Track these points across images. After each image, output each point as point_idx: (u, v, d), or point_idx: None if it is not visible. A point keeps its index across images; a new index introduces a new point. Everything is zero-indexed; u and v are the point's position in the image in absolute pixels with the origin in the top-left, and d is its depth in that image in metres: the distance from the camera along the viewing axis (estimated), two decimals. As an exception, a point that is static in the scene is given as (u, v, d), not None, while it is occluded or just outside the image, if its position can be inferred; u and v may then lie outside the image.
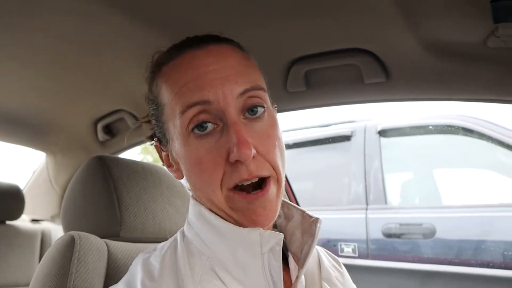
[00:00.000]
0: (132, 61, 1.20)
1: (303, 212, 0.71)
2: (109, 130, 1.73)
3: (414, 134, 2.99)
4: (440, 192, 2.81)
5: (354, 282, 0.85)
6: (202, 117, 0.61)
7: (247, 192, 0.61)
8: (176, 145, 0.65)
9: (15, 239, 1.90)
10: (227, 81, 0.61)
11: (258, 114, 0.63)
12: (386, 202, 2.77)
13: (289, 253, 0.71)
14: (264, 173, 0.61)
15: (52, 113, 1.67)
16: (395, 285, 1.56)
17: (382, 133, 2.95)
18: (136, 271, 0.63)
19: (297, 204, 1.83)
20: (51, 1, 0.90)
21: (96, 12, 0.94)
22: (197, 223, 0.67)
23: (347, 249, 2.63)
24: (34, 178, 2.26)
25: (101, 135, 1.74)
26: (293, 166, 3.22)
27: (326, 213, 2.92)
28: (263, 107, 0.64)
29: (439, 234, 2.47)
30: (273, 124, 0.65)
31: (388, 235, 2.61)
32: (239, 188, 0.61)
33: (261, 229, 0.61)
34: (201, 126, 0.61)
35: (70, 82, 1.37)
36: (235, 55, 0.66)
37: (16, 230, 1.93)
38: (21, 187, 2.02)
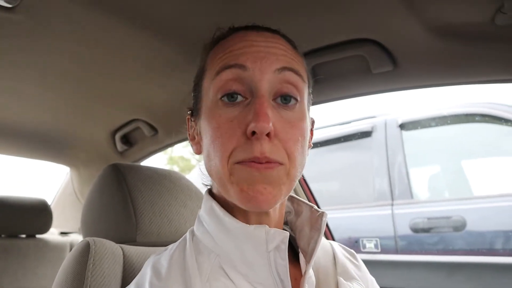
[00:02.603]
0: (144, 71, 1.22)
1: (312, 207, 0.71)
2: (127, 140, 1.77)
3: (437, 125, 2.92)
4: (470, 184, 2.73)
5: (378, 277, 0.83)
6: (235, 87, 0.61)
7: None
8: (203, 114, 0.66)
9: (45, 251, 1.96)
10: (269, 55, 0.62)
11: (289, 104, 0.62)
12: (412, 197, 2.71)
13: (299, 249, 0.70)
14: (278, 158, 0.58)
15: (70, 127, 1.72)
16: (421, 278, 1.52)
17: (403, 126, 2.90)
18: (145, 272, 0.64)
19: (317, 204, 1.82)
20: (57, 18, 0.93)
21: (104, 25, 0.96)
22: (207, 219, 0.67)
23: (369, 245, 2.59)
24: (61, 192, 2.32)
25: (119, 146, 1.77)
26: (315, 166, 3.20)
27: (350, 211, 2.89)
28: (297, 99, 0.63)
29: (470, 226, 2.40)
30: (302, 118, 0.64)
31: (416, 230, 2.56)
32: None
33: (267, 226, 0.61)
34: (231, 96, 0.61)
35: (84, 96, 1.41)
36: (286, 45, 0.67)
37: (46, 243, 1.99)
38: (49, 201, 2.08)
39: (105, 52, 1.10)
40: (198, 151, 0.70)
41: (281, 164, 0.59)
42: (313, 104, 1.29)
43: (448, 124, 2.89)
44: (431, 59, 0.99)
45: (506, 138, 2.66)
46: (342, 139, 3.19)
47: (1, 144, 1.87)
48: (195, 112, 0.71)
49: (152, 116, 1.56)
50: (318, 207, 1.80)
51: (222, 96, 0.61)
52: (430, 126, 2.94)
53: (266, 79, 0.60)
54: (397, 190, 2.75)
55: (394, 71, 1.05)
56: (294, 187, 0.65)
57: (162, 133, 1.62)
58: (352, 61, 1.07)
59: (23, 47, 1.05)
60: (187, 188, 1.06)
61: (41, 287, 1.89)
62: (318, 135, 3.34)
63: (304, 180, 1.80)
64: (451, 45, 0.94)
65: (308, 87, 0.69)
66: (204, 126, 0.64)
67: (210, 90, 0.64)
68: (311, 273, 0.67)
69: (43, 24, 0.95)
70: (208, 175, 0.68)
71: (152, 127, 1.61)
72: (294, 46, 0.70)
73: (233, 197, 0.61)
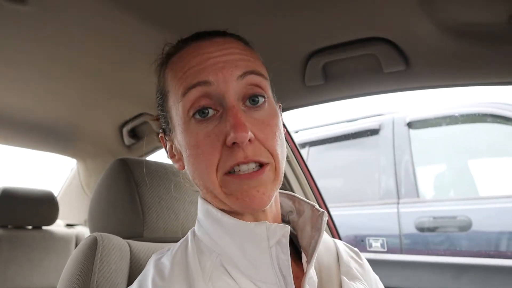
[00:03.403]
0: (152, 65, 1.21)
1: (313, 206, 0.71)
2: (134, 134, 1.77)
3: (445, 124, 2.90)
4: (476, 184, 2.71)
5: (383, 277, 0.83)
6: (203, 102, 0.62)
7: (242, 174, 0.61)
8: (178, 132, 0.66)
9: (51, 243, 1.97)
10: (227, 64, 0.63)
11: (258, 104, 0.64)
12: (418, 196, 2.70)
13: (301, 249, 0.70)
14: (262, 158, 0.61)
15: (78, 120, 1.72)
16: (426, 279, 1.51)
17: (411, 125, 2.88)
18: (148, 271, 0.65)
19: (323, 201, 1.81)
20: (67, 10, 0.93)
21: (113, 17, 0.96)
22: (205, 222, 0.68)
23: (376, 244, 2.58)
24: (67, 184, 2.33)
25: (127, 139, 1.77)
26: (321, 163, 3.19)
27: (356, 208, 2.88)
28: (264, 97, 0.64)
29: (476, 227, 2.39)
30: (274, 114, 0.65)
31: (422, 229, 2.55)
32: (234, 172, 0.61)
33: (267, 222, 0.61)
34: (202, 112, 0.62)
35: (93, 89, 1.41)
36: (238, 46, 0.68)
37: (52, 235, 2.00)
38: (55, 193, 2.09)
39: (114, 45, 1.10)
40: (182, 168, 0.71)
41: (267, 164, 0.61)
42: (323, 102, 1.29)
43: (456, 123, 2.87)
44: (445, 60, 0.98)
45: (513, 138, 2.64)
46: (349, 137, 3.18)
47: (9, 136, 1.87)
48: (167, 131, 0.72)
49: (160, 111, 1.56)
50: (325, 203, 1.78)
51: (194, 114, 0.63)
52: (437, 125, 2.92)
53: (231, 88, 0.62)
54: (404, 188, 2.74)
55: (406, 71, 1.03)
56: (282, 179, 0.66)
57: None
58: (363, 60, 1.06)
59: (32, 38, 1.04)
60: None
61: (46, 278, 1.90)
62: (326, 132, 3.33)
63: (311, 176, 1.79)
64: (466, 45, 0.93)
65: (272, 83, 0.70)
66: (183, 145, 0.65)
67: (179, 110, 0.64)
68: (312, 273, 0.66)
69: (53, 16, 0.95)
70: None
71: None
72: (245, 43, 0.71)
73: (228, 205, 0.63)
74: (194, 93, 0.62)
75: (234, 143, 0.58)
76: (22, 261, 1.85)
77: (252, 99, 0.63)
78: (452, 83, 1.04)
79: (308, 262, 0.65)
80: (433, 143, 2.93)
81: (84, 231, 2.15)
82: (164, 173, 1.00)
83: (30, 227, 1.98)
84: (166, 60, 0.71)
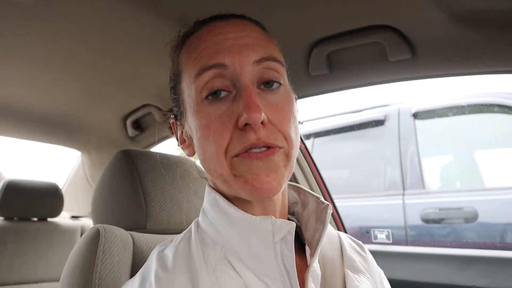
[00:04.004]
0: (155, 55, 1.21)
1: (318, 198, 0.70)
2: (138, 126, 1.76)
3: (451, 115, 2.87)
4: (482, 175, 2.69)
5: (388, 268, 0.82)
6: (217, 84, 0.60)
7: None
8: (189, 115, 0.65)
9: (56, 235, 1.98)
10: (244, 47, 0.61)
11: (273, 87, 0.62)
12: (424, 187, 2.69)
13: (305, 241, 0.69)
14: (276, 142, 0.58)
15: (82, 112, 1.72)
16: (432, 271, 1.50)
17: (417, 115, 2.86)
18: (151, 263, 0.64)
19: (328, 192, 1.80)
20: (68, 1, 0.91)
21: (116, 9, 0.95)
22: (211, 211, 0.66)
23: (381, 236, 2.58)
24: (72, 176, 2.34)
25: (130, 131, 1.77)
26: (326, 154, 3.18)
27: (361, 200, 2.87)
28: (279, 82, 0.63)
29: (482, 218, 2.38)
30: (289, 100, 0.64)
31: (427, 221, 2.54)
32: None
33: (273, 217, 0.60)
34: (214, 93, 0.61)
35: (96, 81, 1.40)
36: (256, 29, 0.66)
37: (57, 227, 2.01)
38: (60, 185, 2.10)
39: (117, 37, 1.09)
40: (191, 153, 0.69)
41: (280, 147, 0.59)
42: (328, 92, 1.28)
43: (462, 114, 2.84)
44: (452, 48, 0.96)
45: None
46: (354, 128, 3.16)
47: (13, 128, 1.88)
48: (179, 115, 0.70)
49: (164, 102, 1.55)
50: (330, 195, 1.77)
51: (207, 96, 0.61)
52: (444, 115, 2.90)
53: (247, 71, 0.60)
54: (409, 179, 2.73)
55: (413, 59, 1.01)
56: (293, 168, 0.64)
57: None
58: (368, 48, 1.04)
59: (35, 31, 1.04)
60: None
61: (51, 270, 1.91)
62: (331, 123, 3.31)
63: (316, 167, 1.78)
64: (473, 33, 0.91)
65: (288, 72, 0.69)
66: (194, 127, 0.64)
67: (192, 91, 0.63)
68: (315, 266, 0.65)
69: (55, 9, 0.94)
70: (205, 172, 0.67)
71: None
72: (262, 28, 0.69)
73: (237, 191, 0.60)
74: (209, 74, 0.61)
75: (246, 124, 0.56)
76: (27, 253, 1.86)
77: (267, 82, 0.62)
78: (459, 71, 1.02)
79: (312, 255, 0.64)
80: (439, 134, 2.91)
81: (89, 223, 2.15)
82: (167, 164, 0.99)
83: (35, 219, 1.99)
84: (182, 41, 0.69)
